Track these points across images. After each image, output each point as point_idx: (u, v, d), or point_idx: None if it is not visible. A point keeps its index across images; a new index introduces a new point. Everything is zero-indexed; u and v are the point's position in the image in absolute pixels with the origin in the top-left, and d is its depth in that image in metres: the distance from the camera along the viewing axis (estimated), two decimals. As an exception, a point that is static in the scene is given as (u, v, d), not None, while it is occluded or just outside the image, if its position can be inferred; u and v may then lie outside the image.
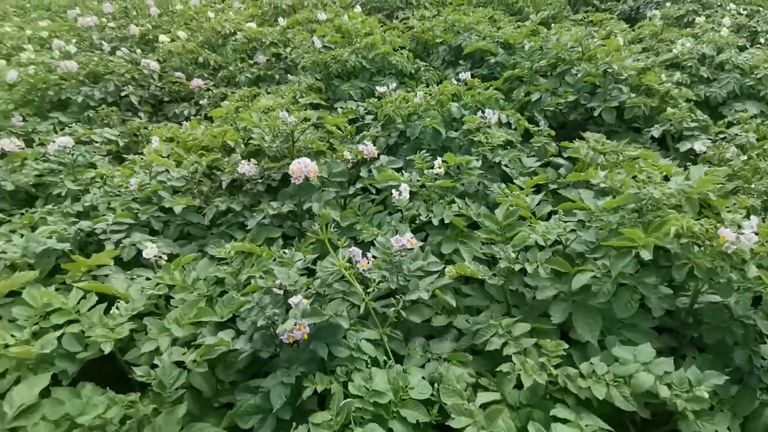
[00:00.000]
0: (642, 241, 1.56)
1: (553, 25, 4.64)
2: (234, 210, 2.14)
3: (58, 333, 1.44)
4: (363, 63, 3.75)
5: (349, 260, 1.56)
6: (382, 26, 5.09)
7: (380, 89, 2.92)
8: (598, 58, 3.54)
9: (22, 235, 2.12)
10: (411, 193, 2.07)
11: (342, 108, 3.43)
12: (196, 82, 4.11)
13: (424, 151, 2.40)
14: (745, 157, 2.30)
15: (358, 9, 4.63)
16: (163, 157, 2.54)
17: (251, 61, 4.49)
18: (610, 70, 3.19)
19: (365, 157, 2.24)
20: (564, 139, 3.39)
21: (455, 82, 3.05)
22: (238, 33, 4.66)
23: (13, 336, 1.43)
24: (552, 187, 2.42)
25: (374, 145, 2.75)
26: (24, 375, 1.46)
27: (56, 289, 1.65)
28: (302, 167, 1.86)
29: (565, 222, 1.74)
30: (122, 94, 3.83)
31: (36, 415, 1.18)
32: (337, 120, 3.07)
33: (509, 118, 2.78)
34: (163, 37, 4.67)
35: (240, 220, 2.18)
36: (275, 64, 4.36)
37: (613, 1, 5.54)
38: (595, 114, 3.15)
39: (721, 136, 2.75)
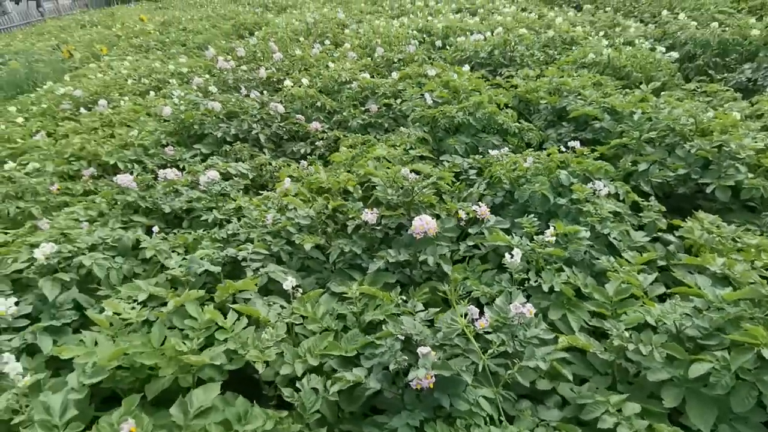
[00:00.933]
0: (764, 339, 1.56)
1: (662, 93, 4.61)
2: (354, 252, 2.39)
3: (222, 348, 1.72)
4: (469, 120, 3.98)
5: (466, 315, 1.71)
6: (486, 82, 5.35)
7: (493, 152, 3.10)
8: (712, 133, 3.49)
9: (179, 254, 2.53)
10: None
11: (448, 161, 3.66)
12: (315, 125, 4.57)
13: (531, 215, 2.53)
14: None
15: (466, 67, 4.91)
16: (292, 196, 2.90)
17: (363, 108, 4.91)
18: (726, 149, 3.13)
19: (477, 216, 2.41)
20: (670, 211, 3.35)
21: (563, 149, 3.15)
22: (354, 82, 5.13)
23: (184, 343, 1.74)
24: (661, 263, 2.42)
25: (481, 202, 2.93)
26: (183, 379, 1.76)
27: (214, 307, 1.97)
28: (424, 224, 2.07)
29: (681, 307, 1.77)
30: (252, 132, 4.37)
31: (211, 417, 1.44)
32: (444, 174, 3.29)
33: (618, 189, 2.83)
34: (287, 82, 5.26)
35: (357, 262, 2.42)
36: (385, 113, 4.74)
37: (728, 72, 5.37)
38: (708, 190, 3.09)
39: None
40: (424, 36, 7.91)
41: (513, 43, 5.82)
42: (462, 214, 2.42)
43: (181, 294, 2.02)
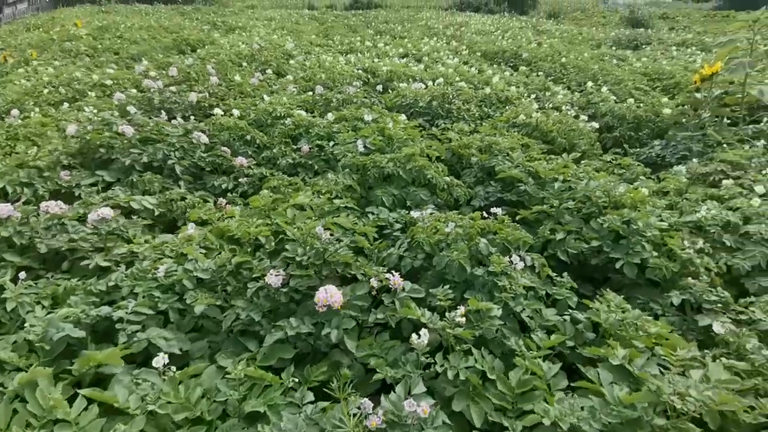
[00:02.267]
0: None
1: (582, 162, 4.85)
2: (252, 318, 2.16)
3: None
4: (399, 172, 3.93)
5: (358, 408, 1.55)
6: (423, 131, 5.39)
7: (414, 213, 3.02)
8: (624, 207, 3.66)
9: (44, 307, 2.16)
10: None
11: (374, 213, 3.55)
12: (240, 160, 4.32)
13: (447, 286, 2.44)
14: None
15: (403, 117, 4.91)
16: (196, 244, 2.63)
17: (295, 146, 4.73)
18: (634, 227, 3.27)
19: (390, 286, 2.28)
20: (585, 279, 3.42)
21: (486, 215, 3.14)
22: (288, 118, 4.96)
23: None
24: (570, 343, 2.41)
25: (400, 263, 2.82)
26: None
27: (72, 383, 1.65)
28: (327, 297, 1.90)
29: (579, 407, 1.71)
30: (168, 162, 4.04)
31: None
32: (367, 229, 3.17)
33: (534, 261, 2.83)
34: (217, 110, 5.00)
35: (255, 329, 2.19)
36: (317, 154, 4.59)
37: (641, 146, 5.79)
38: (617, 266, 3.19)
39: (743, 317, 2.74)
40: (369, 76, 7.97)
41: (451, 96, 5.95)
42: (374, 283, 2.28)
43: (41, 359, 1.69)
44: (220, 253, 2.46)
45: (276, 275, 2.22)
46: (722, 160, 4.78)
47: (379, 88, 6.86)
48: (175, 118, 5.23)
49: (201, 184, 4.31)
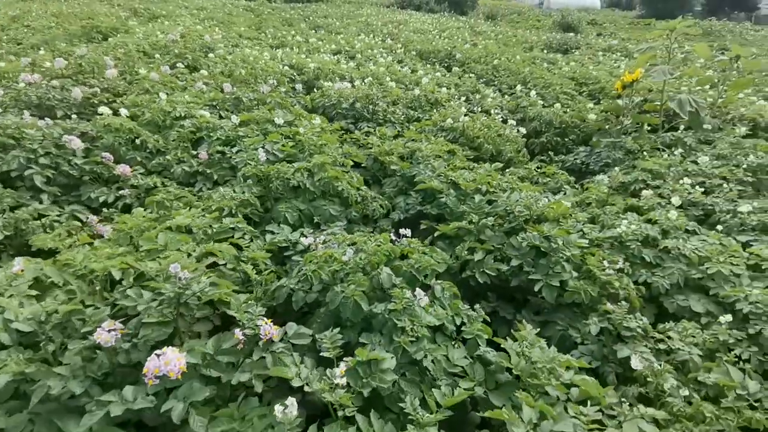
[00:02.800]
0: None
1: (507, 170, 4.66)
2: (72, 393, 1.66)
3: None
4: (306, 184, 3.51)
5: None
6: (344, 135, 4.98)
7: (305, 241, 2.60)
8: (546, 220, 3.47)
9: None
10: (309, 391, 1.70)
11: (276, 232, 3.11)
12: (123, 169, 3.72)
13: (337, 330, 2.06)
14: (686, 393, 2.09)
15: (317, 121, 4.48)
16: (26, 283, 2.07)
17: (194, 152, 4.18)
18: (555, 246, 3.06)
19: (260, 337, 1.86)
20: (506, 299, 3.18)
21: (395, 236, 2.80)
22: (187, 119, 4.38)
23: None
24: (478, 389, 2.11)
25: (291, 295, 2.41)
26: None
27: None
28: (160, 365, 1.46)
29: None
30: (26, 172, 3.37)
31: None
32: (257, 255, 2.72)
33: (443, 293, 2.51)
34: (104, 109, 4.32)
35: (79, 403, 1.70)
36: (218, 161, 4.06)
37: (567, 152, 5.73)
38: (536, 288, 2.96)
39: (662, 346, 2.58)
40: (294, 74, 7.47)
41: (375, 98, 5.59)
42: (239, 335, 1.84)
43: None
44: (46, 304, 1.92)
45: (110, 330, 1.73)
46: (643, 169, 4.76)
47: (302, 87, 6.38)
48: (56, 117, 4.50)
49: (75, 196, 3.66)
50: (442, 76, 8.13)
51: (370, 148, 4.62)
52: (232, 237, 2.90)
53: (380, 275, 2.36)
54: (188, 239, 2.68)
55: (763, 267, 3.24)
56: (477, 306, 2.45)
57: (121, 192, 3.59)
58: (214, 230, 2.82)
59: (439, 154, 4.58)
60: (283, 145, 4.04)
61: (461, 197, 3.79)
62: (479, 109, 6.42)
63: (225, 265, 2.62)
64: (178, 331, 1.90)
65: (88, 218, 3.19)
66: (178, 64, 6.84)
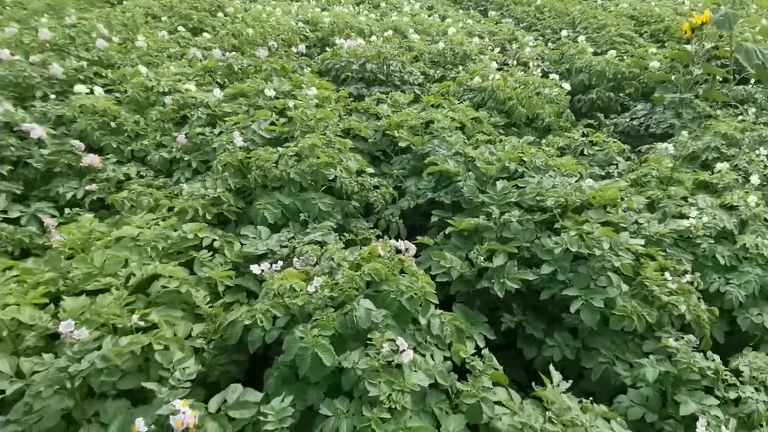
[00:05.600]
0: None
1: (543, 140, 3.86)
2: None
3: None
4: (290, 173, 2.92)
5: None
6: (352, 103, 4.32)
7: (256, 268, 2.01)
8: (589, 207, 2.76)
9: None
10: None
11: (252, 236, 2.60)
12: (91, 158, 3.27)
13: (291, 398, 1.54)
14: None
15: (311, 91, 3.82)
16: None
17: (176, 134, 3.67)
18: (598, 254, 2.36)
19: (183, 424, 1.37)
20: (537, 308, 2.60)
21: (393, 243, 2.19)
22: (168, 96, 3.85)
23: None
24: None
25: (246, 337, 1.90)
26: None
27: None
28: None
29: None
30: (-19, 170, 3.00)
31: None
32: (218, 274, 2.22)
33: (444, 328, 1.92)
34: (80, 87, 3.86)
35: None
36: (200, 145, 3.53)
37: (623, 110, 4.78)
38: (572, 309, 2.31)
39: (732, 393, 1.91)
40: (307, 30, 6.73)
41: (388, 56, 4.81)
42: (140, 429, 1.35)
43: None
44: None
45: None
46: (716, 132, 3.82)
47: (317, 45, 5.67)
48: (33, 97, 4.11)
49: (44, 192, 3.28)
50: (477, 22, 7.11)
51: (379, 119, 3.94)
52: (197, 247, 2.41)
53: (356, 314, 1.79)
54: (134, 256, 2.21)
55: None
56: (485, 351, 1.84)
57: (88, 188, 3.16)
58: (169, 242, 2.33)
59: (461, 123, 3.84)
60: (272, 124, 3.45)
61: (482, 182, 3.10)
62: (515, 62, 5.48)
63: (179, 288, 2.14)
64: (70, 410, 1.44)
65: (44, 223, 2.80)
66: (180, 28, 6.26)
